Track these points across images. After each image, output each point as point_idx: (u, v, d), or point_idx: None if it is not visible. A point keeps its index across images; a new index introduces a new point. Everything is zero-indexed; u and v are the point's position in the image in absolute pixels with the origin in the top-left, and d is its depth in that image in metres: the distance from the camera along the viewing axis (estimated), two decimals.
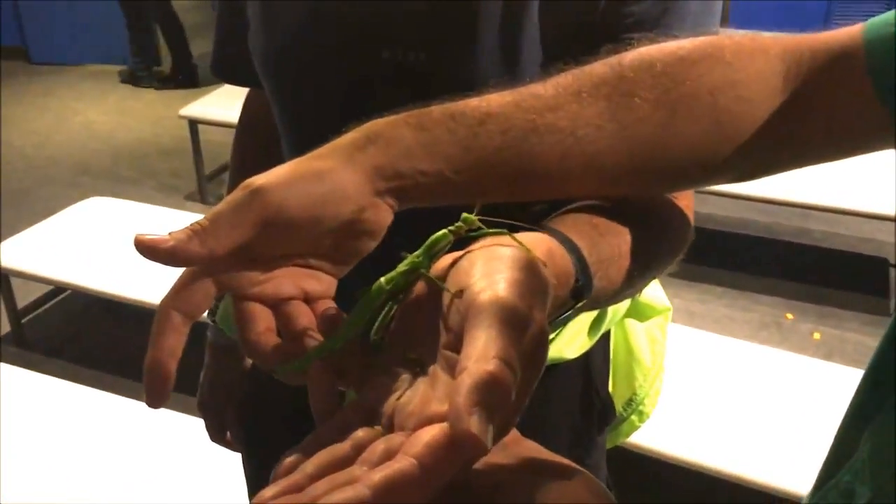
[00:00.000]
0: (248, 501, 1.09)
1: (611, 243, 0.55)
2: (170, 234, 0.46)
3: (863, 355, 2.78)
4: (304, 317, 0.48)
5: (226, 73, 0.95)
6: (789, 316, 3.03)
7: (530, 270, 0.42)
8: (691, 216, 0.68)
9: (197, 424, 1.82)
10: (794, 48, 0.56)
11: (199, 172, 3.99)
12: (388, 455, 0.37)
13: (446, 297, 0.43)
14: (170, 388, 0.46)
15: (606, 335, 0.96)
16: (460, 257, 0.45)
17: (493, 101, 0.53)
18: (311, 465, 0.38)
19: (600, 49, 0.62)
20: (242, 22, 0.84)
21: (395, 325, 0.46)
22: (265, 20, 0.79)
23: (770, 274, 3.29)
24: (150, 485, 1.72)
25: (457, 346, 0.40)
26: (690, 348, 2.12)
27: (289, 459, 0.40)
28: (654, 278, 0.70)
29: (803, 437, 1.80)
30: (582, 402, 0.94)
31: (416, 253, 0.46)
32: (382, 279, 0.46)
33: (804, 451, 1.76)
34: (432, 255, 0.46)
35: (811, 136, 0.57)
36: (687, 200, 0.70)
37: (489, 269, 0.41)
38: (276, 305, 0.48)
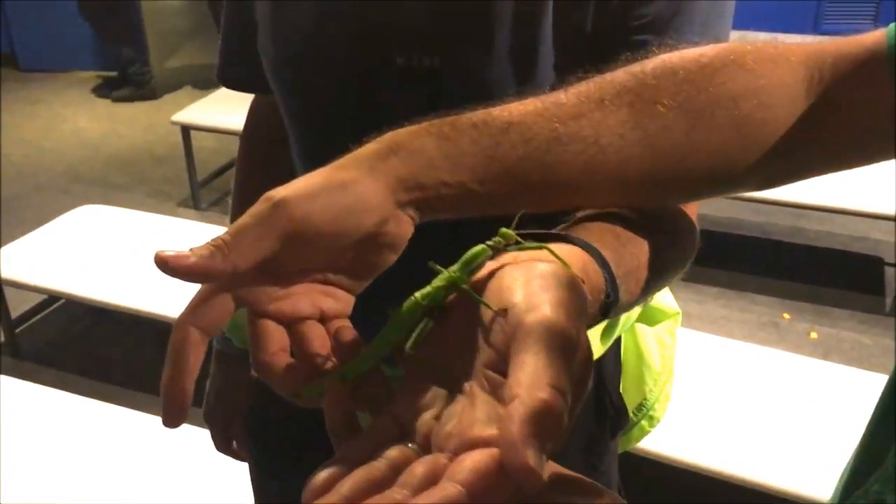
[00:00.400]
0: None
1: (632, 253, 0.55)
2: (191, 249, 0.45)
3: (860, 354, 2.79)
4: (318, 338, 0.46)
5: (232, 80, 0.94)
6: (786, 316, 3.04)
7: (572, 289, 0.41)
8: (696, 221, 0.68)
9: (201, 434, 1.80)
10: (817, 54, 0.56)
11: (191, 179, 3.97)
12: (431, 479, 0.36)
13: (486, 313, 0.42)
14: (187, 407, 0.45)
15: (617, 340, 0.95)
16: (496, 270, 0.44)
17: (515, 109, 0.52)
18: (346, 487, 0.37)
19: (610, 51, 0.62)
20: (250, 29, 0.84)
21: (426, 338, 0.45)
22: (275, 25, 0.78)
23: (766, 274, 3.30)
24: (152, 496, 1.70)
25: (499, 366, 0.39)
26: (689, 350, 2.11)
27: (322, 476, 0.39)
28: (666, 286, 0.70)
29: (804, 438, 1.80)
30: (596, 409, 0.93)
31: (453, 268, 0.45)
32: (418, 294, 0.45)
33: (806, 451, 1.76)
34: (471, 271, 0.45)
35: (835, 142, 0.56)
36: (692, 206, 0.70)
37: (531, 287, 0.40)
38: (291, 324, 0.47)
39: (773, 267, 3.38)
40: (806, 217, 3.56)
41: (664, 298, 1.00)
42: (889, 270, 3.32)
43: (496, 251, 0.45)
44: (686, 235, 0.65)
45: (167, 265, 0.44)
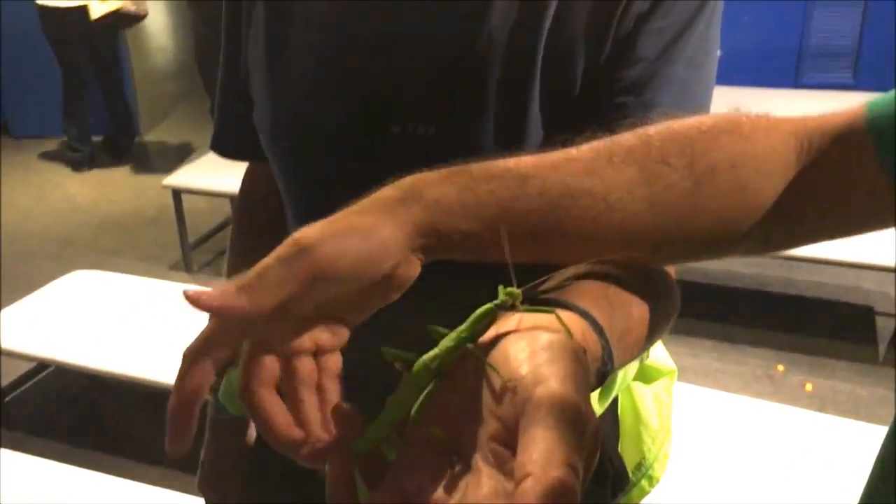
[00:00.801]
0: None
1: (622, 316, 0.55)
2: (217, 288, 0.46)
3: (856, 405, 2.78)
4: (308, 376, 0.47)
5: (227, 150, 0.95)
6: (780, 367, 3.03)
7: (577, 360, 0.41)
8: (675, 282, 0.69)
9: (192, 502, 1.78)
10: (804, 126, 0.58)
11: (183, 242, 3.98)
12: None
13: (494, 381, 0.41)
14: (192, 433, 0.46)
15: (614, 399, 0.95)
16: (498, 338, 0.44)
17: (530, 162, 0.54)
18: None
19: (592, 112, 0.66)
20: (245, 100, 0.85)
21: (427, 404, 0.45)
22: (272, 96, 0.80)
23: (759, 326, 3.30)
24: None
25: (506, 438, 0.39)
26: (685, 404, 2.10)
27: None
28: (652, 345, 0.70)
29: (803, 492, 1.79)
30: (596, 470, 0.92)
31: (460, 329, 0.45)
32: (426, 357, 0.45)
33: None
34: (478, 332, 0.45)
35: (823, 212, 0.58)
36: (671, 267, 0.71)
37: (537, 359, 0.40)
38: (286, 357, 0.47)
39: (765, 319, 3.38)
40: (797, 268, 3.58)
41: (659, 356, 1.00)
42: (880, 320, 3.33)
43: (503, 310, 0.45)
44: (669, 293, 0.66)
45: (198, 302, 0.45)
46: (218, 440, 1.07)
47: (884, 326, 3.28)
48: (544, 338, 0.42)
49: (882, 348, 3.13)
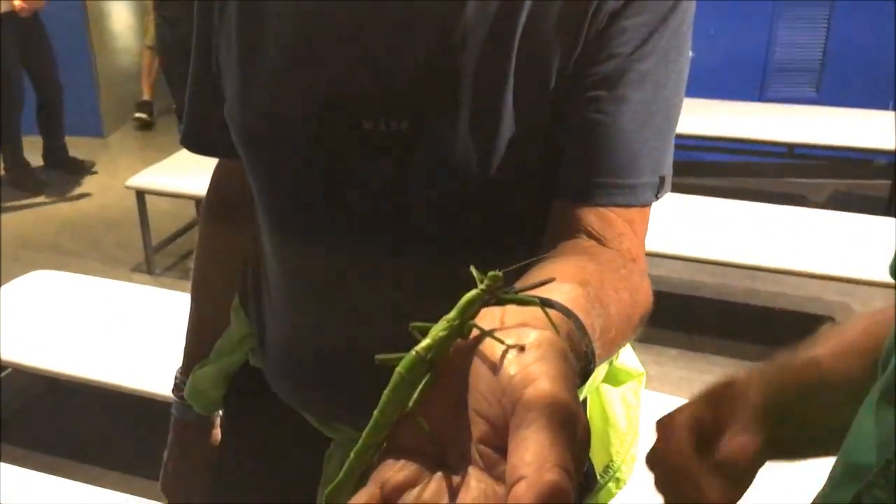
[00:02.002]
0: None
1: (601, 314, 0.55)
2: None
3: None
4: None
5: (197, 145, 0.94)
6: None
7: (564, 359, 0.40)
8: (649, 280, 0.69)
9: None
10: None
11: (146, 244, 3.92)
12: None
13: (477, 381, 0.40)
14: None
15: (583, 401, 0.95)
16: (482, 336, 0.42)
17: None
18: None
19: (565, 105, 0.67)
20: (216, 95, 0.83)
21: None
22: (243, 91, 0.79)
23: (723, 335, 3.33)
24: None
25: (493, 440, 0.38)
26: (650, 410, 2.10)
27: None
28: (625, 345, 0.70)
29: (762, 493, 1.79)
30: None
31: (450, 316, 0.44)
32: (420, 348, 0.43)
33: None
34: (467, 318, 0.43)
35: None
36: (643, 263, 0.72)
37: (525, 357, 0.39)
38: None
39: (729, 328, 3.42)
40: (760, 278, 3.62)
41: (628, 359, 1.00)
42: None
43: (490, 294, 0.44)
44: (645, 292, 0.66)
45: None
46: (182, 440, 1.06)
47: None
48: (532, 336, 0.40)
49: None
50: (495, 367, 0.40)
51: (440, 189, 0.73)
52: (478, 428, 0.39)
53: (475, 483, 0.38)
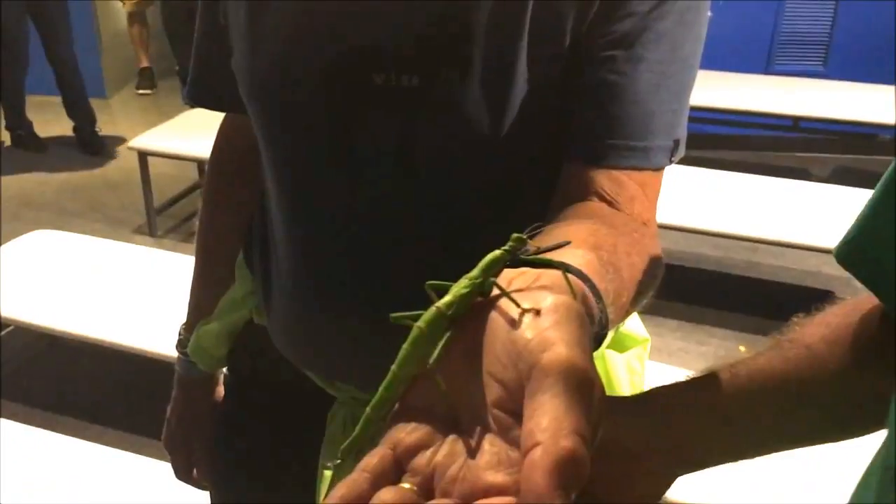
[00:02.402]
0: None
1: (615, 278, 0.54)
2: None
3: None
4: None
5: (203, 99, 0.93)
6: (742, 349, 3.07)
7: (581, 324, 0.39)
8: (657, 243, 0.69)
9: (159, 466, 1.76)
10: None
11: (148, 206, 3.91)
12: None
13: (492, 344, 0.40)
14: None
15: None
16: (498, 298, 0.42)
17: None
18: None
19: (580, 65, 0.66)
20: (223, 46, 0.83)
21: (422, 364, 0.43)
22: (252, 42, 0.78)
23: (723, 307, 3.34)
24: None
25: (508, 405, 0.38)
26: (649, 380, 2.11)
27: None
28: (635, 310, 0.70)
29: (759, 461, 1.81)
30: None
31: (473, 274, 0.43)
32: (441, 304, 0.43)
33: (762, 479, 1.77)
34: (490, 277, 0.43)
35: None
36: (654, 227, 0.72)
37: (542, 321, 0.39)
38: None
39: (729, 301, 3.42)
40: (762, 252, 3.62)
41: (633, 325, 1.00)
42: None
43: (513, 255, 0.44)
44: (656, 257, 0.66)
45: None
46: (186, 397, 1.06)
47: None
48: (549, 300, 0.40)
49: None
50: (511, 330, 0.39)
51: (450, 147, 0.72)
52: (492, 391, 0.39)
53: (488, 447, 0.38)
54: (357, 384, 0.85)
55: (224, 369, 1.05)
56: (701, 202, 3.11)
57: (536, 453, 0.32)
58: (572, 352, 0.36)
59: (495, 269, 0.43)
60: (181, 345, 1.05)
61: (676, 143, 0.72)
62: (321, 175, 0.78)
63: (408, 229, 0.77)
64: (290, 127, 0.78)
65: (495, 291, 0.42)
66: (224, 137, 1.00)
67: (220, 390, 1.07)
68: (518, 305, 0.40)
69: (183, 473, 1.09)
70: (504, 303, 0.41)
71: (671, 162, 0.72)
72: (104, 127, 5.18)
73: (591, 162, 0.70)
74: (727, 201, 3.15)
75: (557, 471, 0.32)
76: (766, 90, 4.33)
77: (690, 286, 3.48)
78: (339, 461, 0.44)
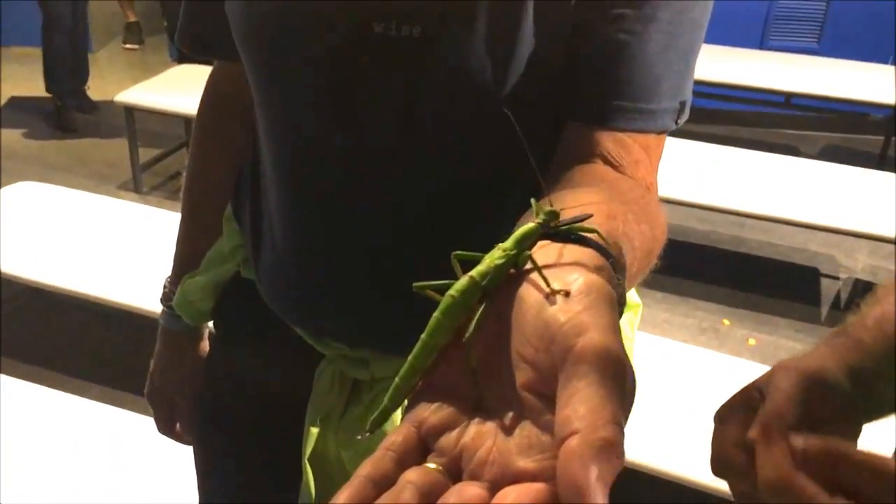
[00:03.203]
0: (197, 496, 1.05)
1: (629, 250, 0.53)
2: None
3: None
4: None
5: (194, 45, 0.91)
6: (726, 322, 3.09)
7: (612, 306, 0.38)
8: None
9: (141, 421, 1.75)
10: None
11: (133, 162, 3.87)
12: None
13: (522, 324, 0.39)
14: None
15: None
16: (525, 277, 0.41)
17: None
18: None
19: (588, 22, 0.64)
20: None
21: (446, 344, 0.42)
22: None
23: (708, 281, 3.35)
24: (88, 484, 1.64)
25: (540, 388, 0.37)
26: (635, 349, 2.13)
27: (342, 501, 0.35)
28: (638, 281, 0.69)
29: None
30: None
31: (506, 245, 0.42)
32: (475, 273, 0.41)
33: None
34: (524, 250, 0.42)
35: None
36: (656, 192, 0.71)
37: (574, 304, 0.38)
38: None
39: (715, 275, 3.44)
40: (749, 227, 3.64)
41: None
42: (825, 282, 3.40)
43: (546, 228, 0.43)
44: (660, 225, 0.65)
45: None
46: (170, 350, 1.05)
47: (828, 288, 3.36)
48: (580, 280, 0.39)
49: (824, 309, 3.21)
50: (542, 312, 0.38)
51: (452, 104, 0.70)
52: (522, 373, 0.38)
53: (518, 430, 0.37)
54: (346, 341, 0.84)
55: (210, 324, 1.04)
56: (690, 175, 3.10)
57: (574, 442, 0.32)
58: (607, 337, 0.36)
59: (529, 241, 0.43)
60: (166, 298, 1.03)
61: (682, 105, 0.71)
62: (317, 128, 0.76)
63: (407, 188, 0.75)
64: (286, 76, 0.76)
65: (527, 265, 0.41)
66: (214, 86, 0.98)
67: (206, 345, 1.07)
68: (549, 286, 0.39)
69: (165, 428, 1.08)
70: (534, 281, 0.40)
71: (677, 125, 0.71)
72: (90, 81, 5.11)
73: (596, 123, 0.68)
74: (716, 175, 3.15)
75: (596, 461, 0.31)
76: (759, 65, 4.32)
77: (677, 259, 3.47)
78: (367, 433, 0.43)
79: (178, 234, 1.03)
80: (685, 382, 2.04)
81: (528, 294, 0.40)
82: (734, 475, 0.49)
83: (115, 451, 1.71)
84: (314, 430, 0.86)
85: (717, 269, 3.51)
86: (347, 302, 0.81)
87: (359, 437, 0.81)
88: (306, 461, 0.86)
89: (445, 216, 0.77)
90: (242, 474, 0.99)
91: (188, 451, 1.07)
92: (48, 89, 4.51)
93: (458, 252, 0.43)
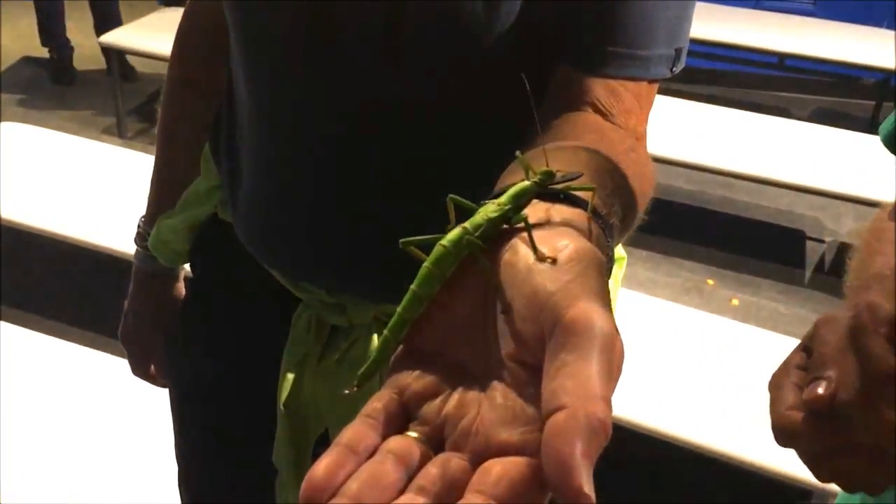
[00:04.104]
0: (172, 438, 1.04)
1: (618, 209, 0.51)
2: None
3: (775, 322, 2.86)
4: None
5: None
6: (710, 282, 3.10)
7: (601, 273, 0.37)
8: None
9: (116, 363, 1.75)
10: None
11: (117, 105, 3.82)
12: (449, 483, 0.33)
13: (508, 287, 0.37)
14: None
15: None
16: (512, 240, 0.40)
17: None
18: (354, 488, 0.33)
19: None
20: None
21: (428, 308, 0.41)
22: None
23: (694, 241, 3.36)
24: (64, 424, 1.64)
25: (526, 358, 0.36)
26: (618, 306, 2.13)
27: (322, 468, 0.34)
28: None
29: (721, 394, 1.85)
30: None
31: (501, 200, 0.41)
32: (469, 224, 0.40)
33: (723, 406, 1.81)
34: (518, 206, 0.41)
35: None
36: (646, 142, 0.69)
37: (564, 273, 0.37)
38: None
39: (701, 235, 3.44)
40: (736, 189, 3.63)
41: None
42: (810, 244, 3.41)
43: (541, 188, 0.42)
44: (648, 179, 0.63)
45: None
46: (144, 292, 1.04)
47: (813, 251, 3.37)
48: (570, 248, 0.38)
49: (808, 272, 3.22)
50: (529, 279, 0.37)
51: (440, 39, 0.68)
52: (507, 342, 0.37)
53: (502, 400, 0.36)
54: (323, 285, 0.83)
55: (186, 266, 1.03)
56: (679, 134, 3.09)
57: (560, 417, 0.31)
58: (596, 308, 0.34)
59: (523, 199, 0.42)
60: (140, 238, 1.02)
61: (678, 52, 0.68)
62: (296, 59, 0.73)
63: (387, 125, 0.73)
64: (262, 5, 0.73)
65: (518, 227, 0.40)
66: (190, 17, 0.95)
67: (181, 287, 1.05)
68: (537, 253, 0.38)
69: (140, 370, 1.07)
70: (522, 247, 0.39)
71: (672, 73, 0.69)
72: (74, 23, 5.01)
73: (587, 70, 0.66)
74: (706, 135, 3.14)
75: (582, 438, 0.30)
76: (753, 25, 4.27)
77: (664, 218, 3.47)
78: (356, 387, 0.42)
79: (154, 172, 1.01)
80: (668, 340, 2.05)
81: (517, 259, 0.39)
82: (799, 438, 0.48)
83: (95, 394, 1.71)
84: (290, 376, 0.85)
85: (703, 230, 3.51)
86: (324, 245, 0.80)
87: (346, 392, 0.81)
88: (281, 406, 0.85)
89: (426, 158, 0.75)
90: (217, 417, 0.98)
91: (164, 393, 1.06)
92: (43, 43, 4.42)
93: (454, 196, 0.42)
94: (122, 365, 1.08)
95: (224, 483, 1.01)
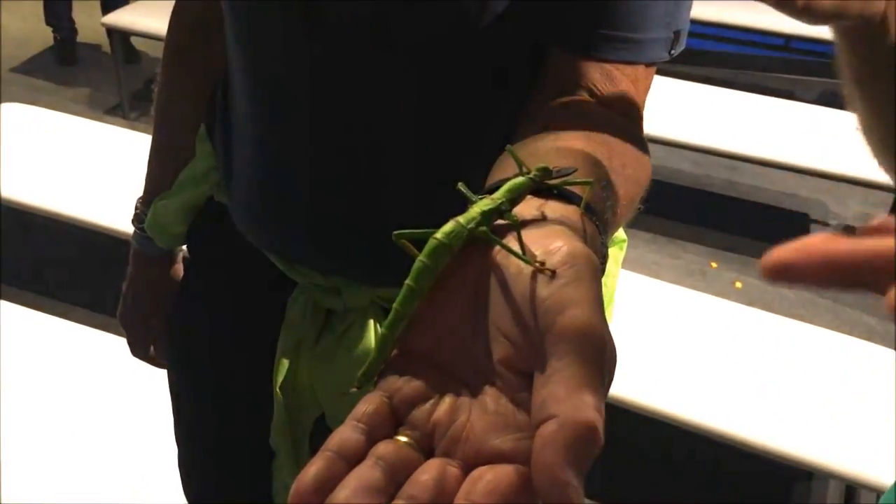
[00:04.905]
0: (172, 420, 1.05)
1: (613, 204, 0.50)
2: None
3: (780, 304, 2.85)
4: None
5: None
6: (714, 265, 3.09)
7: (596, 277, 0.37)
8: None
9: (115, 342, 1.75)
10: None
11: (120, 86, 3.81)
12: (438, 490, 0.33)
13: (500, 291, 0.37)
14: None
15: None
16: (503, 233, 0.39)
17: None
18: (343, 495, 0.33)
19: None
20: None
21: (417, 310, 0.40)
22: None
23: (698, 223, 3.35)
24: (65, 403, 1.65)
25: (518, 364, 0.36)
26: (620, 288, 2.12)
27: (311, 474, 0.34)
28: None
29: (724, 376, 1.85)
30: None
31: (496, 195, 0.41)
32: (461, 219, 0.40)
33: (726, 388, 1.80)
34: (512, 201, 0.41)
35: None
36: (642, 126, 0.68)
37: (557, 277, 0.36)
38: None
39: (705, 217, 3.43)
40: (740, 171, 3.61)
41: None
42: (814, 227, 3.40)
43: (537, 184, 0.42)
44: (645, 168, 0.63)
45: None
46: (142, 273, 1.04)
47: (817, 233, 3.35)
48: (564, 251, 0.37)
49: None
50: (521, 283, 0.37)
51: (430, 23, 0.67)
52: (499, 347, 0.37)
53: (493, 406, 0.36)
54: (318, 268, 0.83)
55: (184, 247, 1.03)
56: (684, 117, 3.07)
57: (550, 427, 0.31)
58: (590, 314, 0.34)
59: (518, 195, 0.41)
60: (137, 219, 1.01)
61: (677, 35, 0.67)
62: (287, 43, 0.73)
63: (376, 110, 0.73)
64: None
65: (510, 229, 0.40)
66: (183, 1, 0.94)
67: (179, 268, 1.05)
68: (532, 257, 0.37)
69: (139, 351, 1.07)
70: (515, 249, 0.38)
71: (670, 56, 0.67)
72: (78, 5, 5.00)
73: (581, 53, 0.65)
74: (711, 117, 3.12)
75: (572, 447, 0.30)
76: (759, 6, 4.23)
77: (667, 200, 3.47)
78: (357, 387, 0.42)
79: (150, 153, 1.01)
80: (671, 323, 2.05)
81: (508, 262, 0.38)
82: None
83: (96, 373, 1.71)
84: (285, 360, 0.85)
85: (707, 212, 3.50)
86: (318, 227, 0.80)
87: (352, 391, 0.81)
88: (277, 390, 0.85)
89: (418, 141, 0.74)
90: (215, 399, 0.98)
91: (163, 374, 1.06)
92: (47, 22, 4.40)
93: (462, 184, 0.42)
94: (123, 344, 1.09)
95: (222, 464, 1.02)
